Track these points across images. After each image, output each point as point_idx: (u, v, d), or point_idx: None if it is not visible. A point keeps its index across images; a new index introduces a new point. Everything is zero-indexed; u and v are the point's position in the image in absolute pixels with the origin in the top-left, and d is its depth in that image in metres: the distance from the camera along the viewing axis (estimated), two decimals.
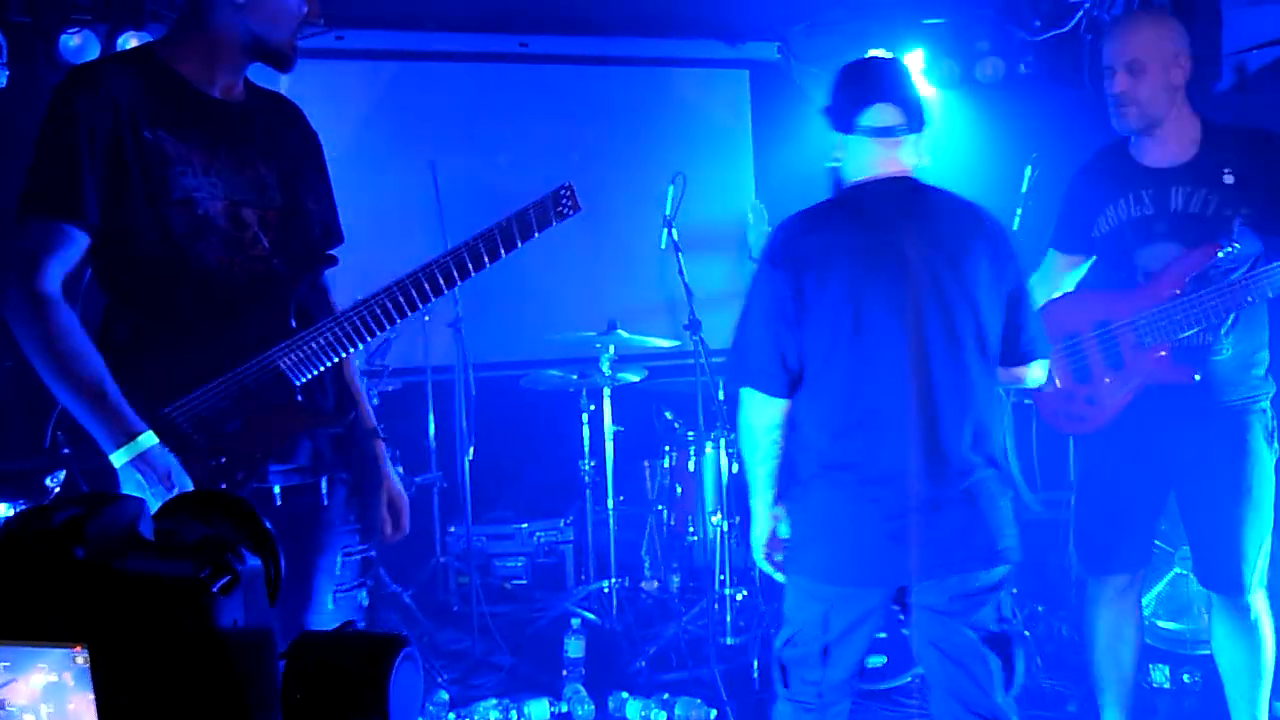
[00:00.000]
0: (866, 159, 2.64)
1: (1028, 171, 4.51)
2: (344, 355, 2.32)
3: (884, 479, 2.47)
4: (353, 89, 5.46)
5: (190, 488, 2.15)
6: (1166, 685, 4.24)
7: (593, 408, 5.02)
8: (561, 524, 5.44)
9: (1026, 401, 3.43)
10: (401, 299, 2.30)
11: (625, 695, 4.27)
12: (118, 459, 2.10)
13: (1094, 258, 3.33)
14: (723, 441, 4.71)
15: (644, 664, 4.48)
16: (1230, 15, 4.82)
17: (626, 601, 4.88)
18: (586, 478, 5.06)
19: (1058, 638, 4.60)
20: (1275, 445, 3.10)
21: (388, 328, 2.34)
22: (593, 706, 4.27)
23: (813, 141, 5.93)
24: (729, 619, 4.59)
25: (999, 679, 2.53)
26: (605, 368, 4.77)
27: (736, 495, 4.58)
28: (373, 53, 5.48)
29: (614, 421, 4.93)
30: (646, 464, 5.32)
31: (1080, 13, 4.62)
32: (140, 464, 2.10)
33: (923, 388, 2.47)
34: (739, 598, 4.62)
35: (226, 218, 2.26)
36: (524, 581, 5.39)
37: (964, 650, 2.53)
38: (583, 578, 5.37)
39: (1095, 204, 3.21)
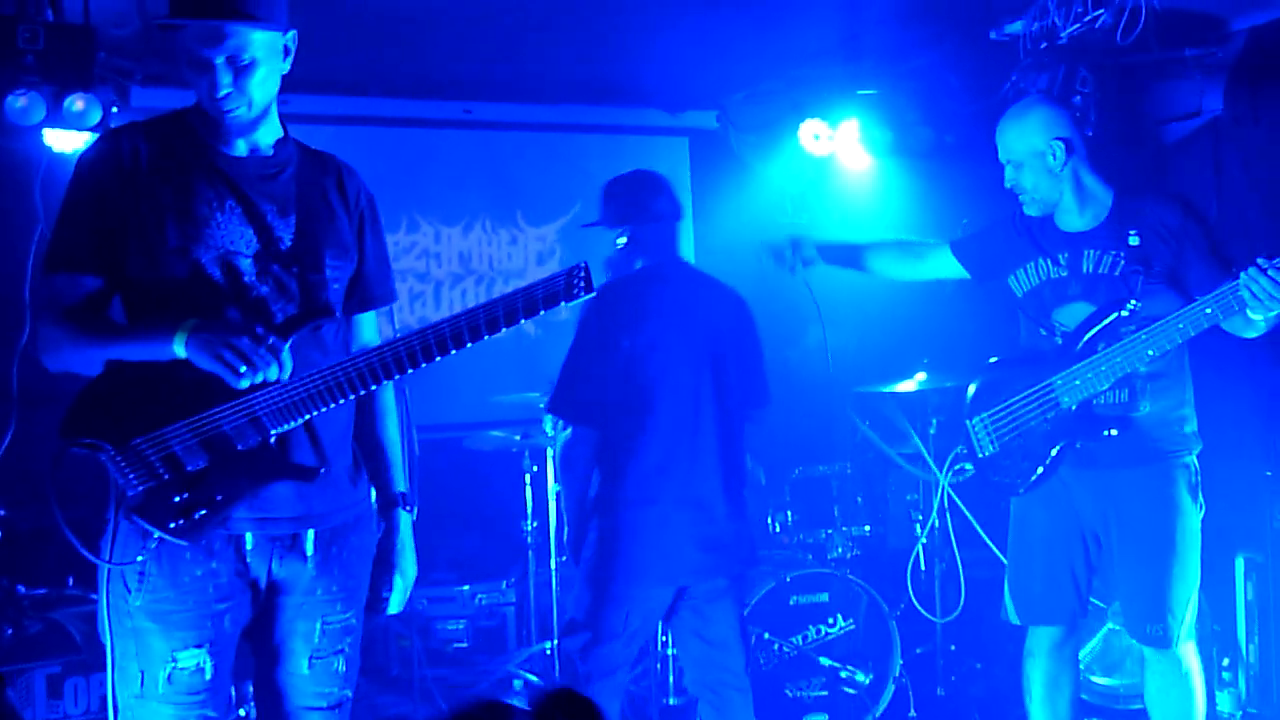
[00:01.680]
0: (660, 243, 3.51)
1: (962, 229, 4.61)
2: (324, 409, 2.33)
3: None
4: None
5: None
6: None
7: (535, 468, 5.01)
8: (503, 585, 5.40)
9: (967, 467, 3.44)
10: (390, 360, 2.31)
11: None
12: (181, 354, 2.24)
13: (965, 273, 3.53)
14: None
15: None
16: (1153, 88, 5.02)
17: (567, 663, 4.83)
18: (529, 538, 5.04)
19: (998, 693, 4.63)
20: (1199, 500, 3.18)
21: (372, 387, 2.34)
22: None
23: (747, 207, 6.10)
24: (671, 679, 4.56)
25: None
26: (548, 428, 4.77)
27: None
28: (314, 117, 5.48)
29: (556, 481, 4.91)
30: None
31: (1007, 84, 4.73)
32: (196, 349, 2.23)
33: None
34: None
35: (220, 267, 2.35)
36: (465, 644, 5.34)
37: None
38: (524, 639, 5.32)
39: (1016, 256, 3.36)
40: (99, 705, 3.85)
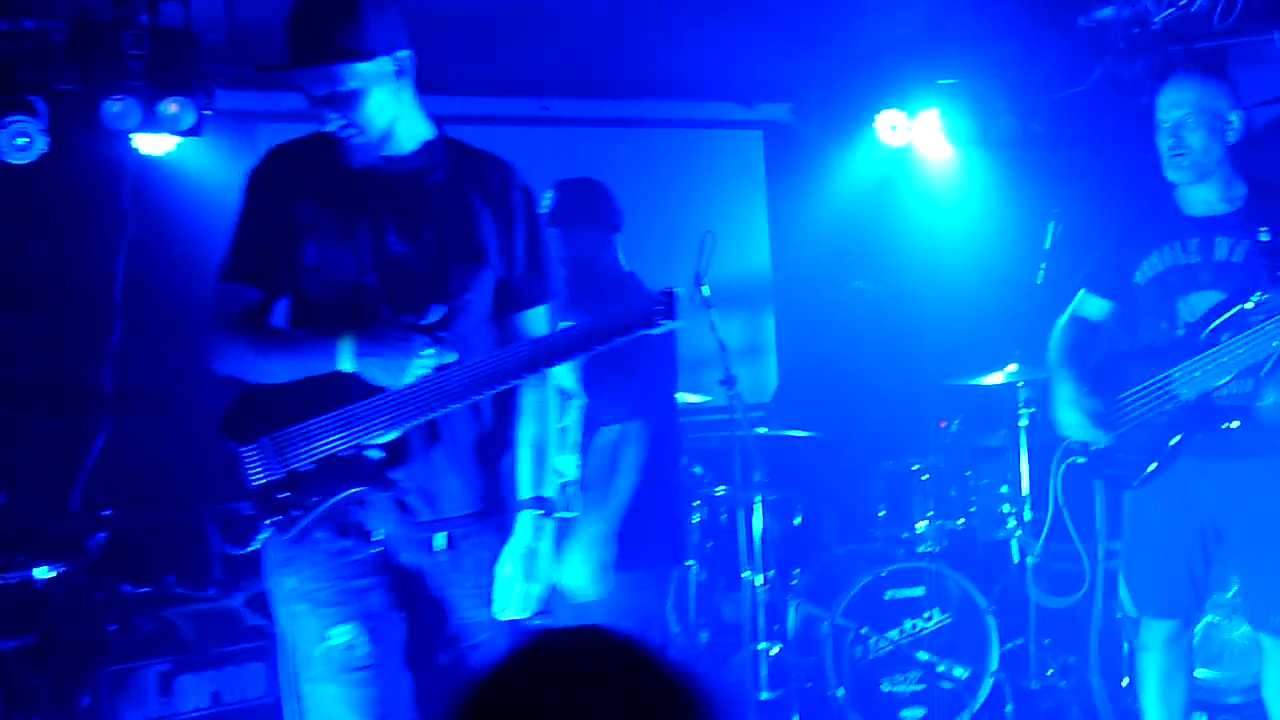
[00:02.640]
0: None
1: (1050, 227, 4.56)
2: (421, 420, 2.38)
3: None
4: None
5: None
6: None
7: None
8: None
9: (1079, 459, 3.39)
10: (473, 380, 2.36)
11: None
12: (346, 367, 2.35)
13: (1115, 304, 3.39)
14: (758, 498, 4.67)
15: None
16: (1236, 73, 4.91)
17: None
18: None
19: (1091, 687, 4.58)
20: None
21: (470, 400, 2.40)
22: None
23: (823, 199, 6.06)
24: (764, 674, 4.54)
25: None
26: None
27: (773, 551, 4.56)
28: None
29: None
30: None
31: (1097, 70, 4.67)
32: (365, 360, 2.34)
33: None
34: (773, 652, 4.56)
35: (351, 286, 2.44)
36: None
37: None
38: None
39: (1137, 250, 3.29)
40: (209, 702, 3.91)
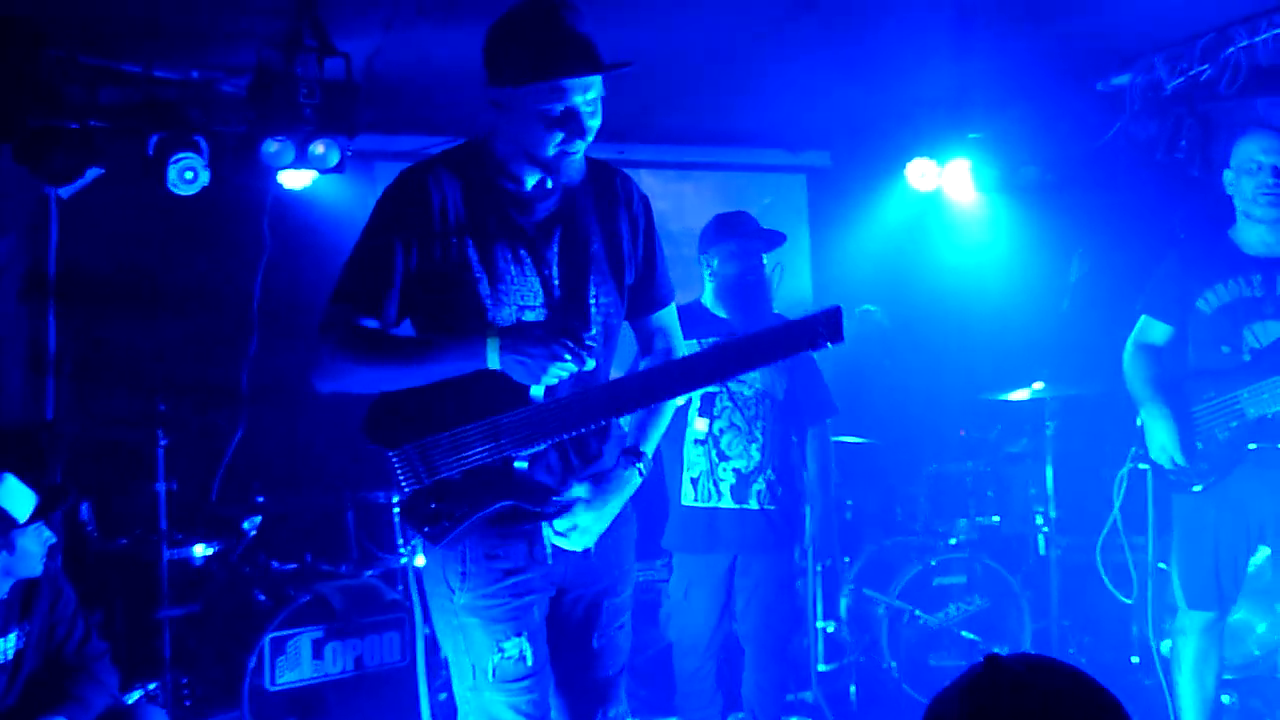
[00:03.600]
0: None
1: (1075, 263, 4.78)
2: (564, 438, 2.23)
3: None
4: None
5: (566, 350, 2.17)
6: None
7: None
8: (658, 564, 5.57)
9: (1143, 465, 3.57)
10: (623, 396, 2.23)
11: (740, 715, 4.41)
12: (494, 365, 2.17)
13: (1175, 329, 3.53)
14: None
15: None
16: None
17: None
18: None
19: (1105, 662, 4.80)
20: None
21: (617, 419, 2.30)
22: None
23: (860, 237, 6.29)
24: (821, 649, 4.74)
25: None
26: None
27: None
28: None
29: None
30: None
31: (1113, 130, 4.90)
32: (509, 358, 2.16)
33: None
34: (829, 629, 4.77)
35: (507, 323, 2.28)
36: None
37: None
38: None
39: (1199, 281, 3.44)
40: (353, 665, 4.08)
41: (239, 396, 5.05)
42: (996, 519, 4.88)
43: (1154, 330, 3.60)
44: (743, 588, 3.77)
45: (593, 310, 2.37)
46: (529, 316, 2.30)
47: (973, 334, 5.77)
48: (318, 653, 4.03)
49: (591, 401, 2.21)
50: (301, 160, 4.51)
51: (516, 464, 2.24)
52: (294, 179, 4.84)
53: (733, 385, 3.58)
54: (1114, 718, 1.27)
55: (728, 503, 3.66)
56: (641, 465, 2.38)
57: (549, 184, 2.34)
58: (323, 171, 4.66)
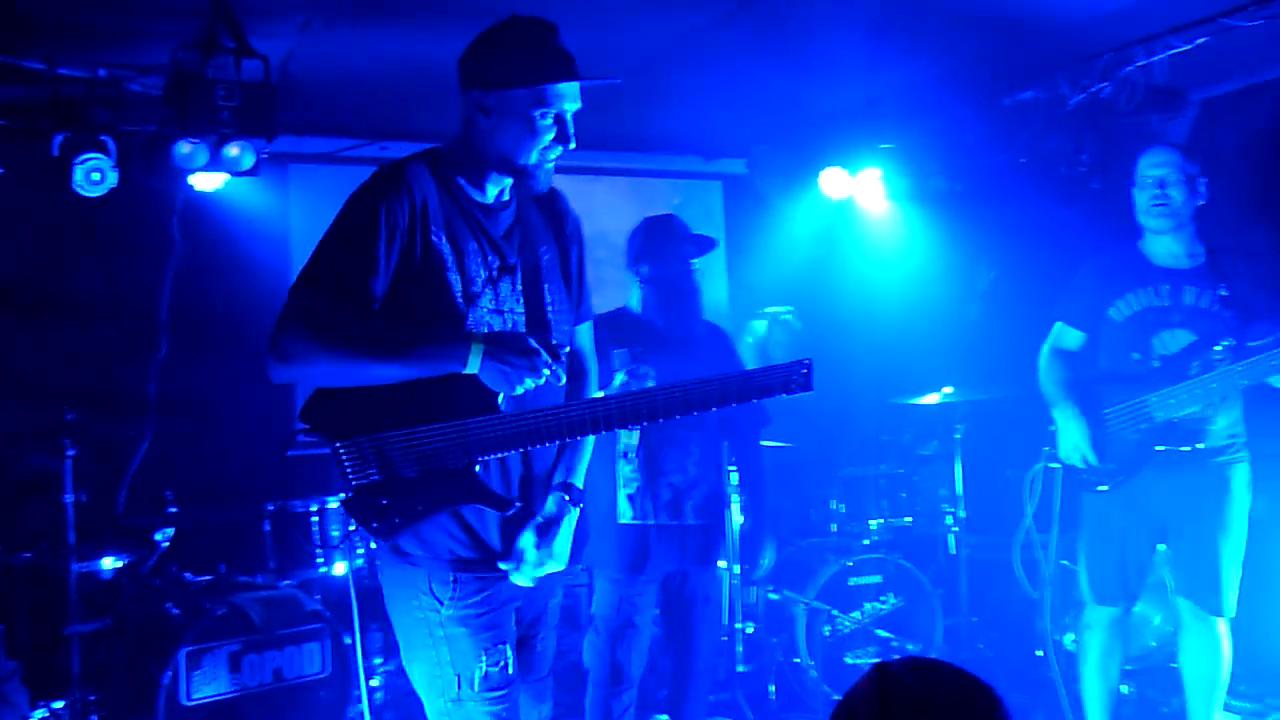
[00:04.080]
0: None
1: (983, 271, 4.82)
2: (528, 449, 2.21)
3: None
4: None
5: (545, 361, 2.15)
6: None
7: None
8: (578, 569, 5.46)
9: (1054, 465, 3.59)
10: (600, 418, 2.17)
11: (664, 718, 4.34)
12: (473, 370, 2.12)
13: (1088, 335, 3.57)
14: (735, 498, 4.83)
15: (665, 694, 4.53)
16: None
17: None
18: None
19: (1011, 656, 4.85)
20: (1249, 494, 3.40)
21: (579, 438, 2.27)
22: None
23: (774, 244, 6.27)
24: (740, 650, 4.68)
25: None
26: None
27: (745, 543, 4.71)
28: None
29: None
30: None
31: (1018, 143, 4.95)
32: (490, 365, 2.12)
33: None
34: (748, 630, 4.72)
35: (478, 310, 2.26)
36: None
37: None
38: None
39: (1111, 291, 3.48)
40: (272, 678, 3.89)
41: (146, 404, 4.79)
42: (909, 520, 4.89)
43: (1068, 336, 3.64)
44: (675, 604, 3.61)
45: (551, 320, 2.38)
46: (494, 322, 2.28)
47: (884, 340, 5.79)
48: (235, 666, 3.83)
49: (568, 417, 2.18)
50: (215, 163, 4.31)
51: (478, 469, 2.18)
52: (206, 181, 4.62)
53: None
54: (992, 712, 1.39)
55: (664, 519, 3.47)
56: (577, 501, 2.37)
57: (506, 195, 2.36)
58: (236, 174, 4.46)
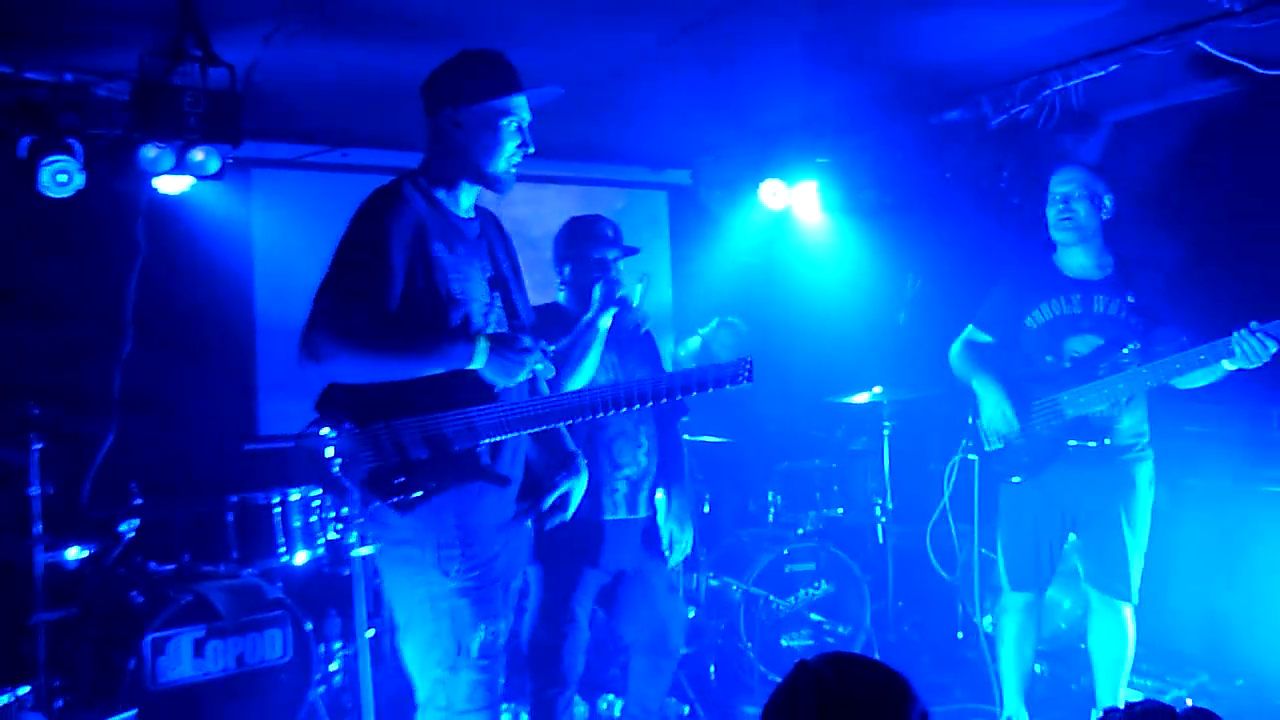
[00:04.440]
0: None
1: (910, 280, 4.99)
2: (529, 432, 2.46)
3: None
4: (355, 199, 5.55)
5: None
6: None
7: None
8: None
9: (971, 456, 3.74)
10: (587, 403, 2.42)
11: (611, 697, 4.46)
12: (479, 365, 2.37)
13: (996, 340, 3.72)
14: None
15: (617, 671, 4.64)
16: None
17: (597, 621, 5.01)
18: None
19: (933, 638, 5.03)
20: (1153, 488, 3.58)
21: (570, 422, 2.46)
22: (586, 707, 4.43)
23: (716, 250, 6.40)
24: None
25: None
26: None
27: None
28: (371, 168, 5.58)
29: None
30: None
31: (943, 161, 5.14)
32: (494, 360, 2.38)
33: None
34: (690, 615, 4.84)
35: (477, 316, 2.50)
36: None
37: None
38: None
39: (1026, 301, 3.62)
40: (235, 663, 3.94)
41: (111, 400, 4.79)
42: (840, 511, 5.04)
43: (978, 337, 3.81)
44: (633, 597, 3.49)
45: (524, 321, 2.63)
46: (486, 323, 2.50)
47: (819, 342, 5.94)
48: (199, 651, 3.86)
49: (557, 405, 2.44)
50: (180, 167, 4.34)
51: (480, 451, 2.42)
52: (171, 184, 4.64)
53: None
54: (902, 697, 1.56)
55: (622, 514, 3.41)
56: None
57: (473, 210, 2.59)
58: (201, 178, 4.49)
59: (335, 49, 4.29)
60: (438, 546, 2.39)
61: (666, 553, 3.57)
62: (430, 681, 2.39)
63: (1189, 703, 4.20)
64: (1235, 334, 3.14)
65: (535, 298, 2.92)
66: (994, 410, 3.60)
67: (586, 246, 3.47)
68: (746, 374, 2.42)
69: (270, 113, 4.95)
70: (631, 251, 3.55)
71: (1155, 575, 3.67)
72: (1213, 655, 4.40)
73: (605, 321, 3.18)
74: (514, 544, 2.60)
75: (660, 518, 3.58)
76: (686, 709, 4.39)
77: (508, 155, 2.50)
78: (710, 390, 2.43)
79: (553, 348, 2.55)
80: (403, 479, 2.36)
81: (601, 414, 2.43)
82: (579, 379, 3.18)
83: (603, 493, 3.36)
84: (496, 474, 2.47)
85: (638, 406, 2.43)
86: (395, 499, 2.36)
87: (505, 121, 2.48)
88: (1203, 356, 3.22)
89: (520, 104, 2.50)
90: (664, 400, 2.43)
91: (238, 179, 5.24)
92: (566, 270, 3.51)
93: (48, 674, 3.91)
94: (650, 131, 5.83)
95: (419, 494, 2.36)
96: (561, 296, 3.59)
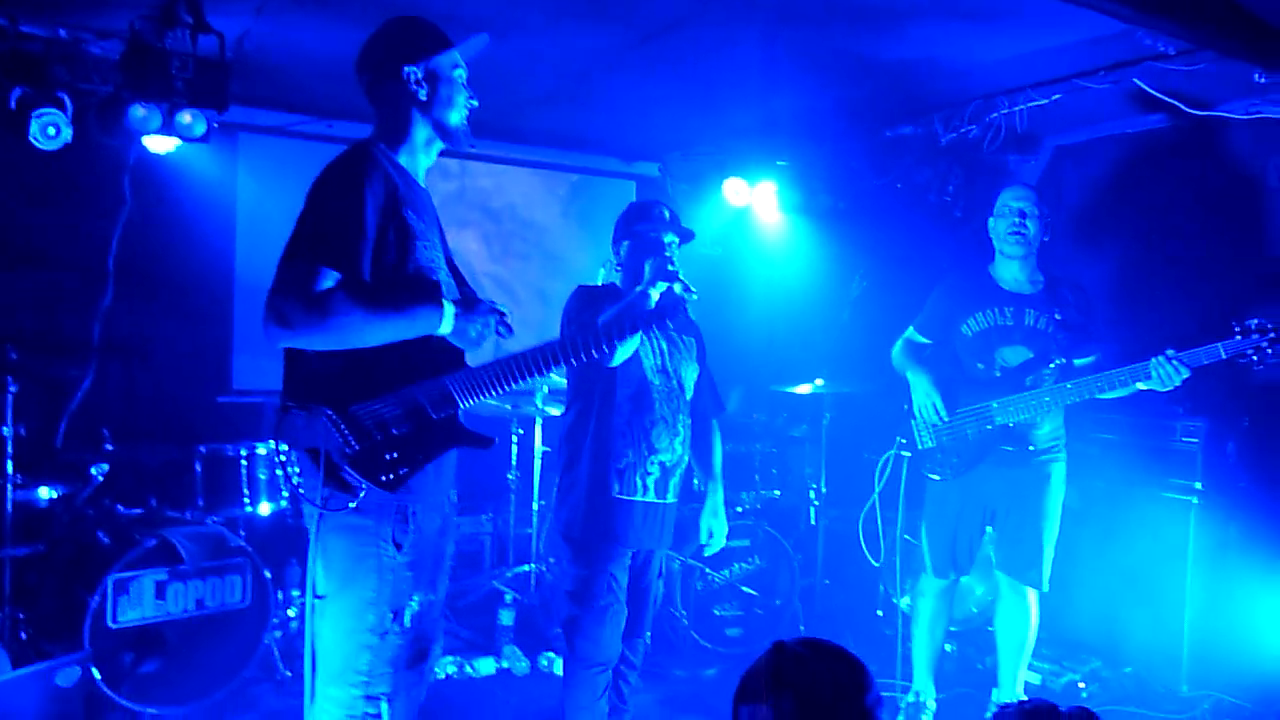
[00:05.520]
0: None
1: (855, 281, 4.97)
2: (505, 390, 2.34)
3: None
4: None
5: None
6: None
7: (521, 432, 5.13)
8: (483, 518, 5.51)
9: (905, 454, 3.73)
10: (546, 356, 2.37)
11: (551, 655, 4.42)
12: (447, 330, 2.28)
13: (933, 344, 3.72)
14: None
15: (560, 630, 4.61)
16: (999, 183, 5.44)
17: (543, 582, 4.99)
18: (512, 485, 5.15)
19: (856, 615, 5.04)
20: (1064, 485, 3.61)
21: (541, 376, 2.40)
22: (527, 663, 4.40)
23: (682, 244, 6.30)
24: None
25: None
26: (539, 401, 4.91)
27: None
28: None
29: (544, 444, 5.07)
30: None
31: (894, 172, 5.12)
32: (460, 325, 2.29)
33: None
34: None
35: (440, 282, 2.37)
36: (450, 562, 5.42)
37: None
38: (498, 562, 5.45)
39: (962, 310, 3.61)
40: (194, 605, 3.84)
41: (90, 347, 4.64)
42: (777, 493, 5.03)
43: (916, 339, 3.81)
44: (633, 578, 3.29)
45: (471, 292, 2.51)
46: (442, 276, 2.38)
47: (767, 333, 5.92)
48: (160, 593, 3.76)
49: (526, 360, 2.37)
50: (168, 127, 4.18)
51: (459, 417, 2.32)
52: (158, 144, 4.48)
53: (656, 379, 3.19)
54: (863, 681, 1.65)
55: (651, 497, 3.22)
56: None
57: (423, 179, 2.46)
58: (188, 140, 4.33)
59: (326, 23, 4.15)
60: (395, 520, 2.27)
61: (704, 541, 3.46)
62: (355, 647, 2.25)
63: (1081, 686, 4.27)
64: (1153, 360, 3.16)
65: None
66: (924, 399, 3.62)
67: (643, 226, 3.26)
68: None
69: (259, 80, 4.81)
70: (688, 235, 3.32)
71: (1059, 568, 3.70)
72: (1106, 644, 4.45)
73: (655, 294, 2.95)
74: (449, 516, 2.51)
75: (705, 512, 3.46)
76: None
77: (461, 107, 2.42)
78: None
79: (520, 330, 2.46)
80: (393, 455, 2.24)
81: (559, 365, 2.39)
82: (625, 349, 2.95)
83: (636, 474, 3.17)
84: (479, 436, 2.35)
85: (582, 359, 2.42)
86: (385, 477, 2.23)
87: (458, 74, 2.42)
88: (1123, 378, 3.24)
89: (459, 56, 2.44)
90: (568, 362, 2.43)
91: (225, 142, 5.09)
92: (623, 249, 3.31)
93: (13, 606, 3.80)
94: (621, 125, 5.75)
95: (405, 470, 2.25)
96: (617, 278, 3.37)
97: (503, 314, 2.38)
